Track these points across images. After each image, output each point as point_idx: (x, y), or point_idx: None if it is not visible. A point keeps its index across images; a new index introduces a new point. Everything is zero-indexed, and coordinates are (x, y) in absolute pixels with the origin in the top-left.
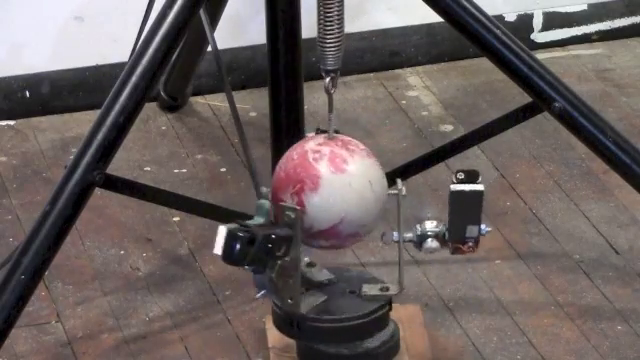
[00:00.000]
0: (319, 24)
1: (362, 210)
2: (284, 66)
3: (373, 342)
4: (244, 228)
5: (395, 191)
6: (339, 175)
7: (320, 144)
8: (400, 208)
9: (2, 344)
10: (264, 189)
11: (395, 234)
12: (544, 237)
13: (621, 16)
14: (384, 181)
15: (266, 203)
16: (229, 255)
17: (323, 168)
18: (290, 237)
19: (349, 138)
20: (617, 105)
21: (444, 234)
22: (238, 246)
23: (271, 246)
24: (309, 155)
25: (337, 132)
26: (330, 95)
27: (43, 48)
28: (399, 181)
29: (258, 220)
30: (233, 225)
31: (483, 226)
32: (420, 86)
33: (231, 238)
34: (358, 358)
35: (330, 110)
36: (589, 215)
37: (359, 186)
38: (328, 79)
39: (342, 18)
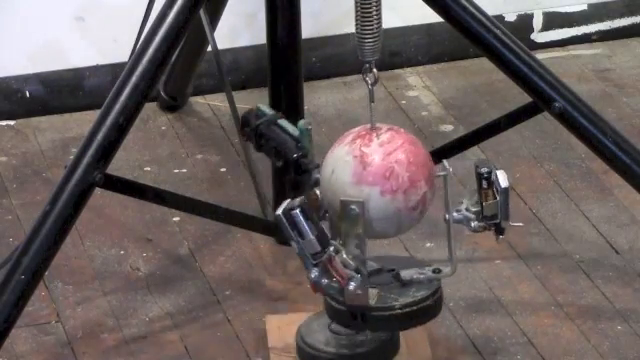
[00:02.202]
0: (357, 17)
1: (324, 187)
2: (284, 66)
3: (373, 342)
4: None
5: (443, 172)
6: (331, 149)
7: (366, 126)
8: (447, 188)
9: (2, 344)
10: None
11: None
12: (544, 237)
13: (621, 16)
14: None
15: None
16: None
17: (337, 140)
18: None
19: (379, 135)
20: (617, 105)
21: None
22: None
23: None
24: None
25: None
26: (370, 87)
27: (43, 48)
28: (445, 161)
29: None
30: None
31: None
32: (420, 86)
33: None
34: (358, 358)
35: (371, 100)
36: (589, 215)
37: (326, 166)
38: (367, 68)
39: (380, 8)
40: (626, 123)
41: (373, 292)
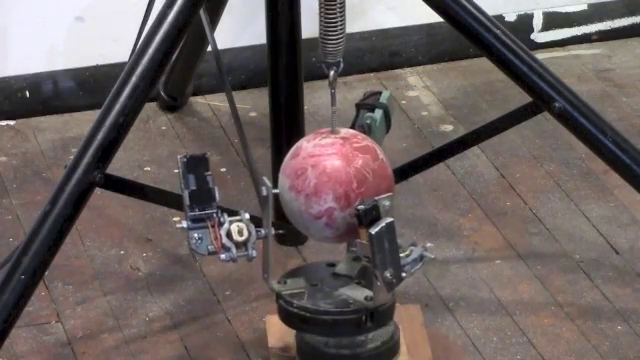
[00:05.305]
0: (320, 17)
1: None
2: (284, 66)
3: (373, 342)
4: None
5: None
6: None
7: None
8: (270, 206)
9: (2, 344)
10: (265, 180)
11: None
12: (544, 237)
13: (621, 16)
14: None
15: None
16: None
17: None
18: None
19: (325, 137)
20: (617, 105)
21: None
22: None
23: None
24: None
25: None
26: (332, 89)
27: (43, 48)
28: (265, 179)
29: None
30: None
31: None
32: (420, 86)
33: None
34: (358, 358)
35: (332, 104)
36: (589, 215)
37: None
38: (332, 72)
39: (344, 11)
40: (626, 123)
41: (301, 283)
